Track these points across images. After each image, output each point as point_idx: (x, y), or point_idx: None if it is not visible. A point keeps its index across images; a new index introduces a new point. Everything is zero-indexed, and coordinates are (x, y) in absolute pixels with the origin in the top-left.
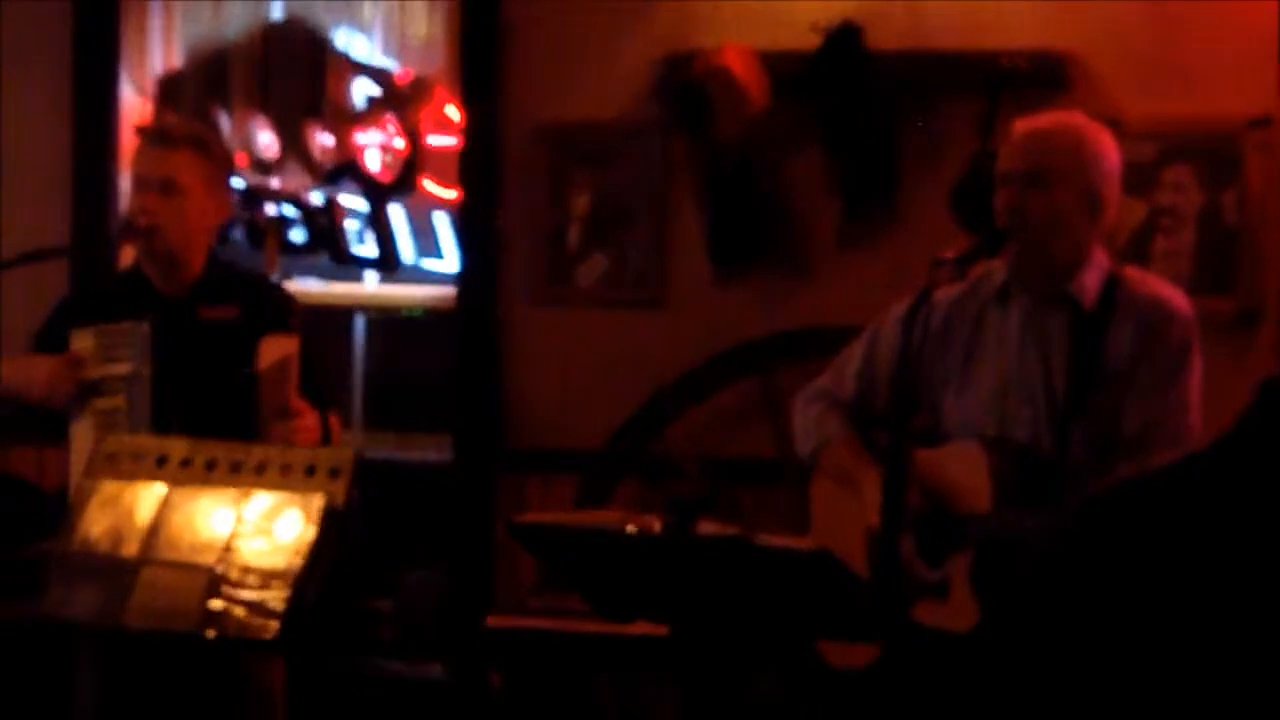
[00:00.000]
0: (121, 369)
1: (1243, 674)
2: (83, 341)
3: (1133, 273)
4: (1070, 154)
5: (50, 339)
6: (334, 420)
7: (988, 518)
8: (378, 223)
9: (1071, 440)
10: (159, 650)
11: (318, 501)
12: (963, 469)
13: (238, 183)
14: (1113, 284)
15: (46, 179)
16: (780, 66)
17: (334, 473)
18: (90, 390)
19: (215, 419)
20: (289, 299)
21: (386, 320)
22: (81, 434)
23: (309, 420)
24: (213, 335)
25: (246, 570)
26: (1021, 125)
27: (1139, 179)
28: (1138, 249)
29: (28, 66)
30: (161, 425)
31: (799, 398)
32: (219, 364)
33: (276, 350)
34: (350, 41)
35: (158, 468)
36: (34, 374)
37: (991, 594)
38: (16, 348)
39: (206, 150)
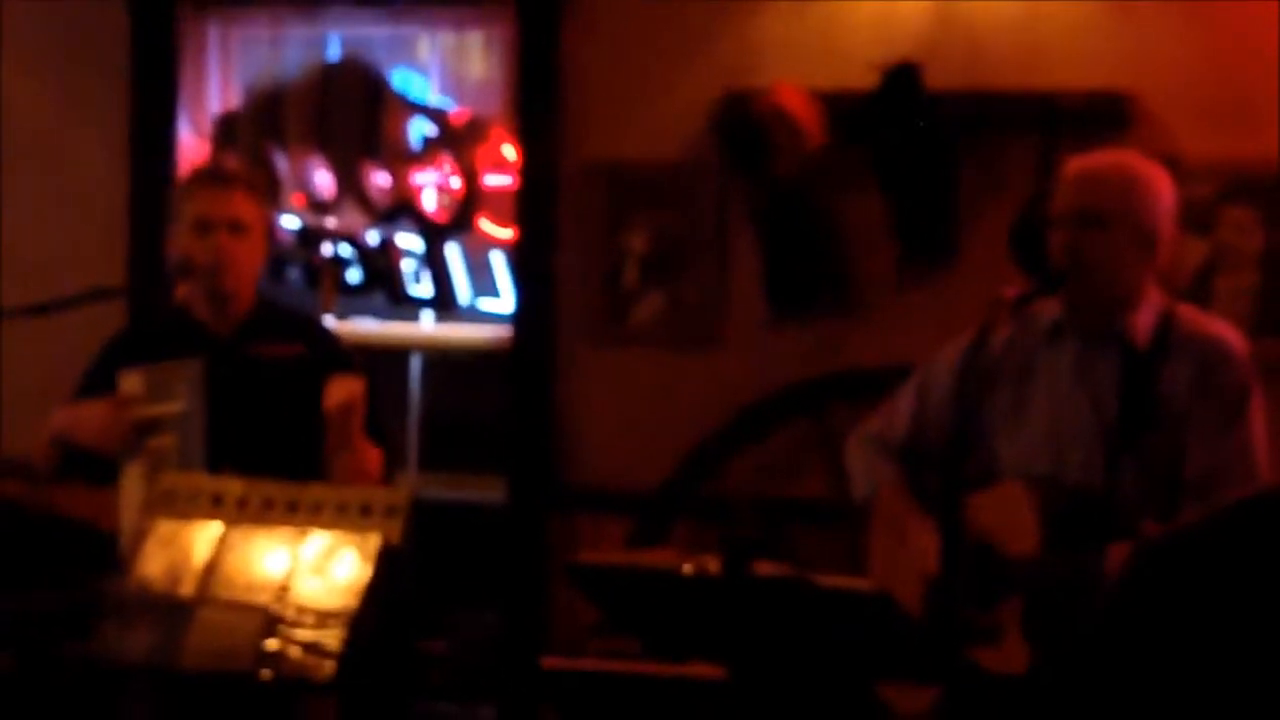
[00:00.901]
0: (172, 408)
1: None
2: (131, 381)
3: (1187, 311)
4: (1124, 193)
5: (99, 380)
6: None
7: (1038, 561)
8: (434, 262)
9: (1122, 480)
10: (213, 691)
11: (373, 541)
12: (1010, 510)
13: (294, 222)
14: (1166, 323)
15: (105, 219)
16: (838, 105)
17: (390, 512)
18: (141, 431)
19: (273, 457)
20: (334, 336)
21: (442, 360)
22: (132, 474)
23: (370, 454)
24: (271, 373)
25: (302, 610)
26: (1075, 165)
27: (1199, 218)
28: (1199, 289)
29: (87, 107)
30: (216, 463)
31: (851, 441)
32: (277, 402)
33: (343, 390)
34: (407, 81)
35: (214, 507)
36: (86, 418)
37: (1045, 638)
38: (69, 386)
39: (258, 190)
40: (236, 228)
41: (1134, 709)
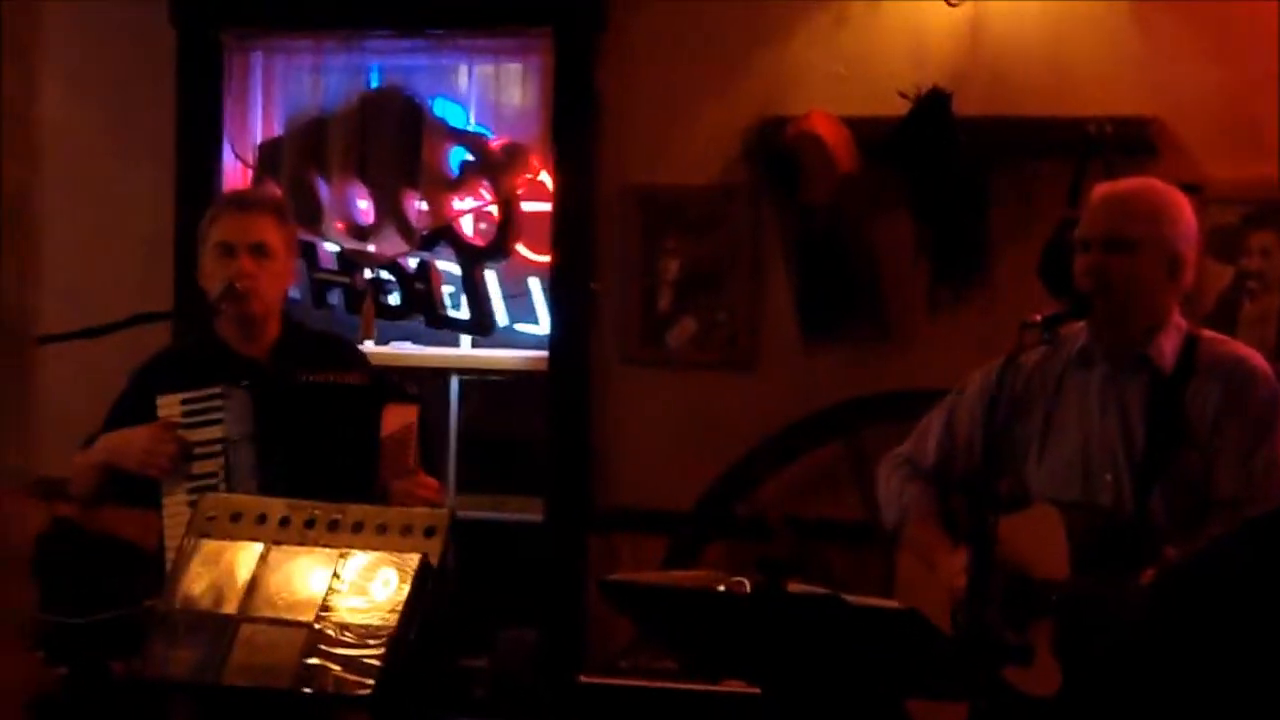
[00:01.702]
0: (212, 433)
1: None
2: (169, 408)
3: (1210, 334)
4: (1150, 218)
5: (129, 406)
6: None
7: (1068, 583)
8: (472, 287)
9: (1152, 503)
10: (255, 706)
11: (413, 560)
12: (1040, 534)
13: (334, 247)
14: (1191, 346)
15: (151, 244)
16: (869, 132)
17: (429, 532)
18: (186, 455)
19: (327, 484)
20: (362, 356)
21: (480, 383)
22: (174, 497)
23: (423, 478)
24: (326, 400)
25: (343, 628)
26: (1101, 190)
27: (1226, 244)
28: (1225, 314)
29: (133, 135)
30: (270, 489)
31: (881, 466)
32: (333, 429)
33: (399, 418)
34: (446, 110)
35: (257, 526)
36: (130, 442)
37: (1075, 660)
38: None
39: (284, 215)
40: (260, 251)
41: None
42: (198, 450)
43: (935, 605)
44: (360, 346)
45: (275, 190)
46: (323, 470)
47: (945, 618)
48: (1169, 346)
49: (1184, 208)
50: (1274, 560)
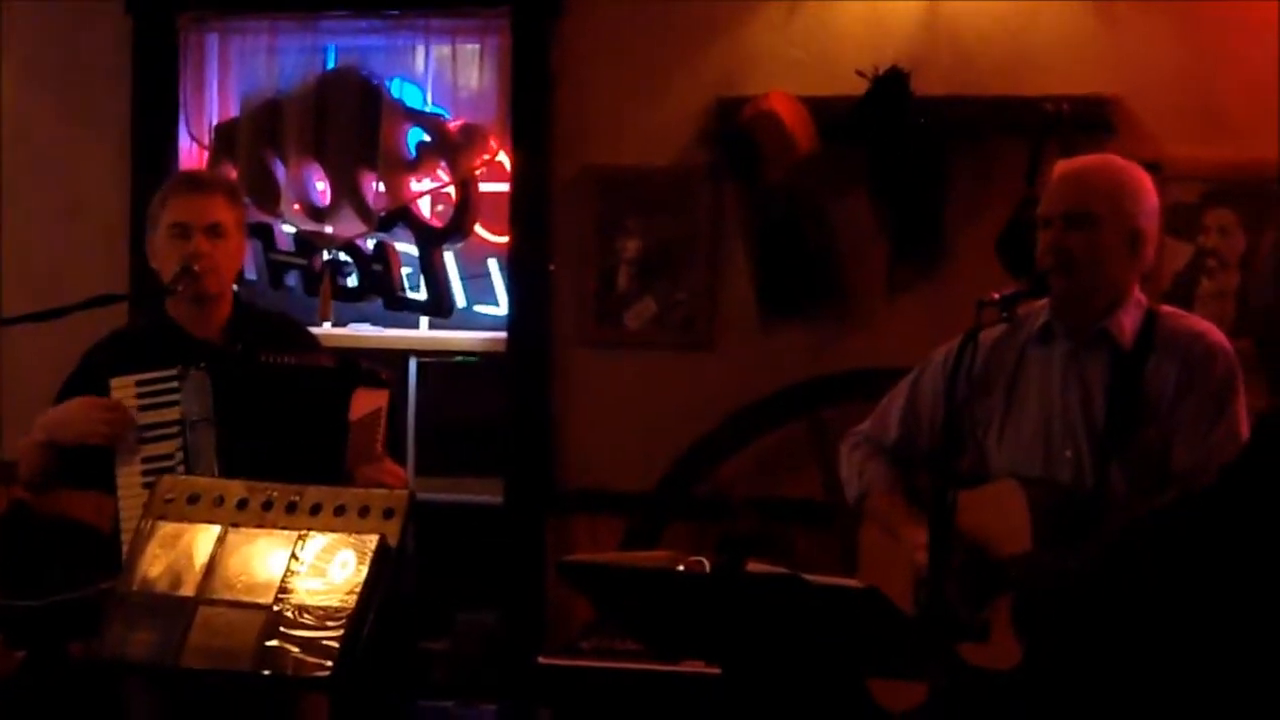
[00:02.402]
0: (168, 415)
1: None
2: (124, 390)
3: (1169, 310)
4: (1110, 194)
5: (83, 389)
6: None
7: (1028, 558)
8: (430, 268)
9: (1112, 478)
10: (214, 689)
11: (372, 542)
12: (1002, 509)
13: (291, 228)
14: (1150, 322)
15: (107, 226)
16: (827, 112)
17: (388, 513)
18: (136, 437)
19: (292, 467)
20: (312, 337)
21: (439, 365)
22: (128, 480)
23: (389, 464)
24: (292, 383)
25: (302, 610)
26: (1061, 167)
27: (1183, 222)
28: (1183, 291)
29: (89, 117)
30: (232, 471)
31: (844, 444)
32: (298, 412)
33: (369, 403)
34: (403, 90)
35: (215, 508)
36: (67, 417)
37: (1033, 632)
38: None
39: (235, 195)
40: (215, 231)
41: (1115, 690)
42: (154, 433)
43: (899, 580)
44: (313, 328)
45: (227, 171)
46: (289, 454)
47: (908, 593)
48: (1129, 322)
49: (1145, 183)
50: (1220, 524)
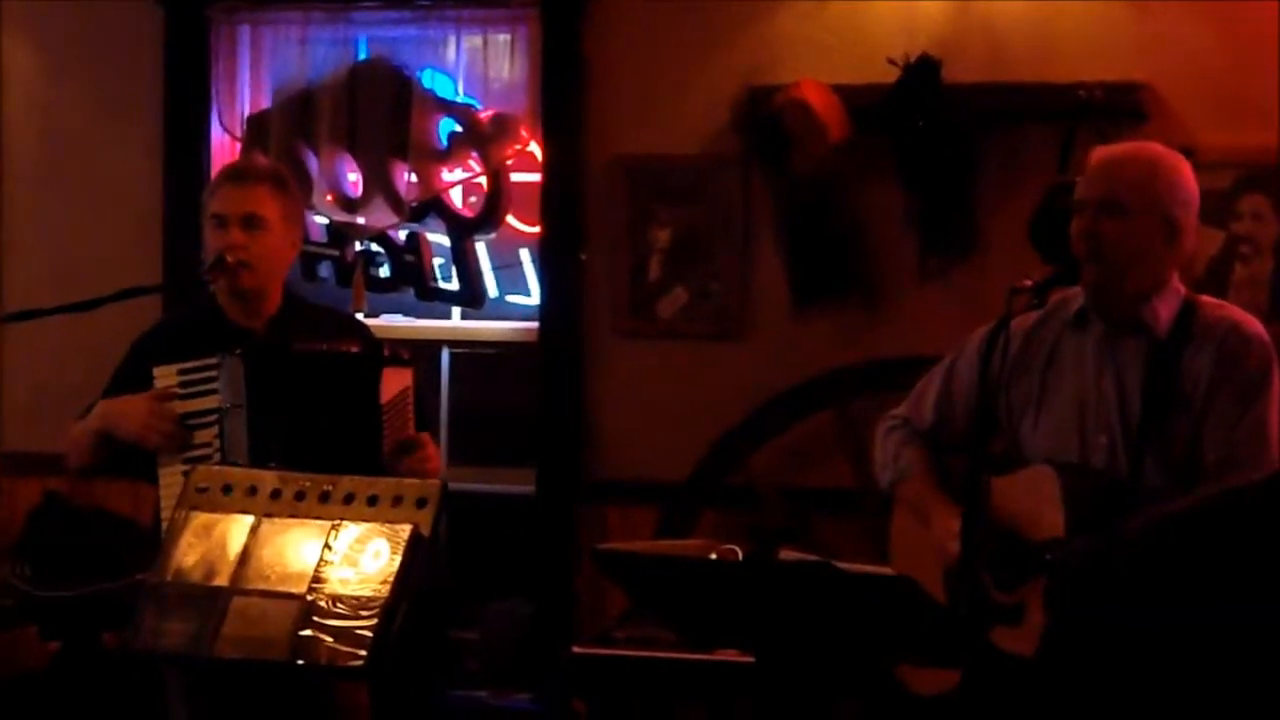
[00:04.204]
0: (208, 403)
1: None
2: (166, 378)
3: (1208, 300)
4: (1147, 182)
5: (128, 376)
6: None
7: (1061, 543)
8: (462, 258)
9: (1146, 466)
10: (248, 678)
11: (405, 531)
12: (1035, 495)
13: (323, 219)
14: (1188, 311)
15: (140, 217)
16: (858, 100)
17: (421, 503)
18: (182, 426)
19: (330, 454)
20: (365, 329)
21: (471, 355)
22: (170, 470)
23: (431, 450)
24: (323, 370)
25: (335, 599)
26: (1099, 153)
27: (1216, 208)
28: (1216, 278)
29: (121, 108)
30: (260, 460)
31: (879, 427)
32: (332, 399)
33: (395, 382)
34: (434, 81)
35: (248, 499)
36: (126, 413)
37: (1064, 617)
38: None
39: (283, 186)
40: (252, 223)
41: (1141, 680)
42: (194, 420)
43: (929, 566)
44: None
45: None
46: (323, 440)
47: (938, 579)
48: (1165, 311)
49: (1183, 173)
50: (1263, 520)
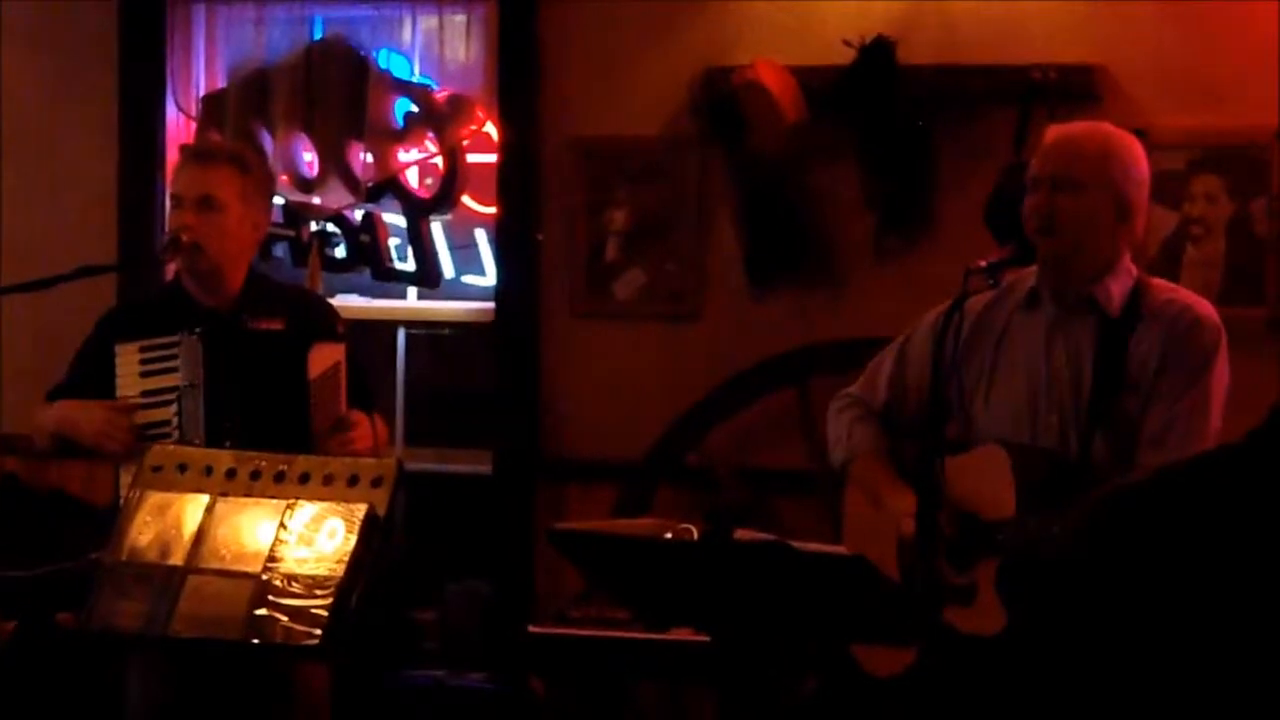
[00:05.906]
0: (168, 381)
1: (1240, 669)
2: (127, 356)
3: (1159, 282)
4: (1100, 159)
5: (93, 356)
6: (380, 423)
7: (1012, 523)
8: (418, 239)
9: (1095, 445)
10: (205, 658)
11: (360, 511)
12: (986, 474)
13: (279, 200)
14: (1138, 292)
15: (94, 197)
16: (814, 81)
17: (376, 482)
18: (141, 435)
19: (268, 429)
20: (331, 309)
21: (427, 335)
22: (131, 470)
23: (363, 429)
24: (260, 346)
25: (291, 578)
26: (1054, 131)
27: (1169, 189)
28: (1168, 259)
29: (76, 88)
30: (215, 437)
31: (831, 406)
32: (268, 375)
33: (325, 358)
34: (390, 61)
35: (204, 478)
36: (84, 420)
37: (1016, 597)
38: (64, 364)
39: (244, 166)
40: (207, 204)
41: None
42: (154, 399)
43: (882, 545)
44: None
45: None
46: (260, 418)
47: (893, 558)
48: (1117, 291)
49: (1135, 153)
50: (1209, 497)
